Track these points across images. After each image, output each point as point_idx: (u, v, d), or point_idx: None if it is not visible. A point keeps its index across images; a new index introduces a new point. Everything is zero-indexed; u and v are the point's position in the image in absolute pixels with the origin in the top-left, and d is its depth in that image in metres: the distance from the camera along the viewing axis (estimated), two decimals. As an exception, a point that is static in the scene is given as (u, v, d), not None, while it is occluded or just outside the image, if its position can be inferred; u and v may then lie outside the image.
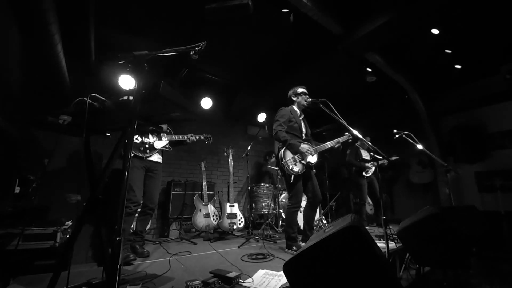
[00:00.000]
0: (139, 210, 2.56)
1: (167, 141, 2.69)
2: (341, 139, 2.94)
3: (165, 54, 1.25)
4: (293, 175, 2.61)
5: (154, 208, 2.61)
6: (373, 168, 4.30)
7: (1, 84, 2.23)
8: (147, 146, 2.55)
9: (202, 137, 2.98)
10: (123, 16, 2.97)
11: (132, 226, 2.64)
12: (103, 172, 1.29)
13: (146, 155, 2.52)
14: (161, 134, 2.67)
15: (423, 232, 1.98)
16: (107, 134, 1.52)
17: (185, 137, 2.78)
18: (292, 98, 2.97)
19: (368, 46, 3.38)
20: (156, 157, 2.63)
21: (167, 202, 3.99)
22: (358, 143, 4.47)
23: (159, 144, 2.64)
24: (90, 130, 1.29)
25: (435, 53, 3.68)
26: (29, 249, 1.91)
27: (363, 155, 4.36)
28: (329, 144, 2.88)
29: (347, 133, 2.97)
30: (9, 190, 2.40)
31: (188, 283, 1.50)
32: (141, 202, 2.50)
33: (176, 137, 2.73)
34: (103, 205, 1.18)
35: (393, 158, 4.11)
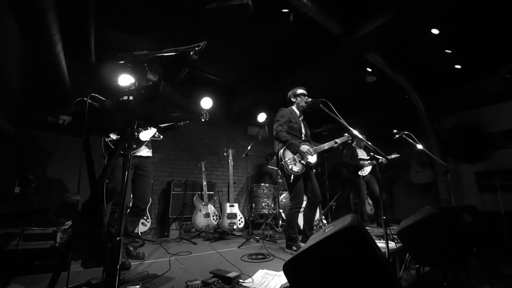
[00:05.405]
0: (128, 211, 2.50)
1: (155, 129, 2.40)
2: (339, 140, 2.94)
3: (165, 54, 1.25)
4: (292, 175, 2.62)
5: (146, 208, 2.48)
6: (369, 168, 4.28)
7: (1, 84, 2.23)
8: None
9: None
10: (123, 16, 2.96)
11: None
12: (103, 172, 1.30)
13: (132, 150, 2.27)
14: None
15: (423, 232, 1.98)
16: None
17: None
18: (292, 99, 2.97)
19: (368, 46, 3.39)
20: (145, 151, 2.39)
21: (167, 202, 3.99)
22: (354, 143, 4.42)
23: (146, 135, 2.34)
24: (90, 130, 1.29)
25: (435, 53, 3.68)
26: (29, 249, 1.91)
27: (359, 155, 4.36)
28: (327, 145, 2.88)
29: (346, 134, 2.98)
30: (9, 190, 2.40)
31: (188, 283, 1.50)
32: (130, 204, 2.39)
33: None
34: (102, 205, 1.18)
35: (393, 156, 4.06)
